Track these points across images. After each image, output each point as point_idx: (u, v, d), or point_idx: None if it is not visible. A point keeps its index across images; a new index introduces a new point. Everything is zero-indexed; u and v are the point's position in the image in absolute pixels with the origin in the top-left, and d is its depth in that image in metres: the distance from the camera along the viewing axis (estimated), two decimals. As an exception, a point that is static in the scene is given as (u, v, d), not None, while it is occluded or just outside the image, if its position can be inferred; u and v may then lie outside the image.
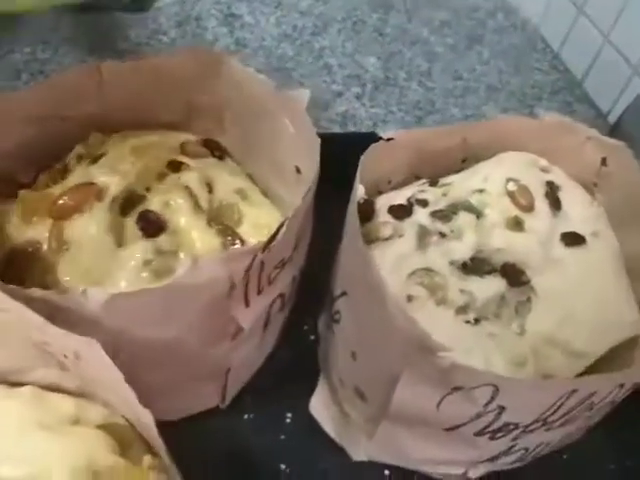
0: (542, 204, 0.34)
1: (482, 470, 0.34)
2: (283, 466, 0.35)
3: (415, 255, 0.33)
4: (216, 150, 0.39)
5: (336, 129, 0.58)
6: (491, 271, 0.32)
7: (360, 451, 0.36)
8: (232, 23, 0.69)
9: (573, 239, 0.33)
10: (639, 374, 0.29)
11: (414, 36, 0.72)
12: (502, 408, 0.28)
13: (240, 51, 0.65)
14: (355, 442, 0.36)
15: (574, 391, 0.27)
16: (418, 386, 0.28)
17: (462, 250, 0.32)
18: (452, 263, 0.32)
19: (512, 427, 0.29)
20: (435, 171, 0.39)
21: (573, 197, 0.36)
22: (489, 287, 0.31)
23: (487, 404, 0.27)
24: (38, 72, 0.57)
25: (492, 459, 0.32)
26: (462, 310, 0.31)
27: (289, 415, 0.37)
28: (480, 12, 0.77)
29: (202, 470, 0.34)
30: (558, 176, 0.37)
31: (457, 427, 0.29)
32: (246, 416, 0.37)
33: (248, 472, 0.35)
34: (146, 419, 0.22)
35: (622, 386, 0.30)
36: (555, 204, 0.35)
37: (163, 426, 0.34)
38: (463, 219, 0.34)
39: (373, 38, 0.71)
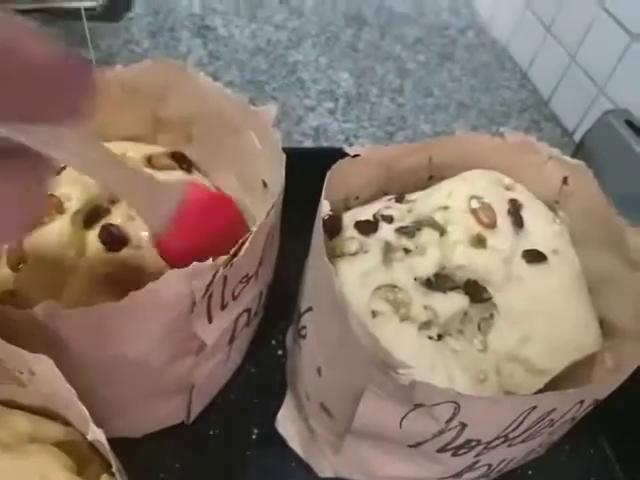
0: (504, 222, 0.35)
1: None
2: (248, 484, 0.35)
3: (380, 271, 0.33)
4: (183, 163, 0.39)
5: (308, 143, 0.58)
6: (454, 287, 0.32)
7: (326, 467, 0.35)
8: (206, 35, 0.69)
9: (534, 257, 0.34)
10: (597, 391, 0.30)
11: (386, 52, 0.73)
12: (464, 425, 0.28)
13: (213, 63, 0.66)
14: (321, 458, 0.36)
15: (534, 407, 0.27)
16: (380, 403, 0.28)
17: (426, 266, 0.33)
18: (416, 279, 0.32)
19: (474, 444, 0.29)
20: (402, 188, 0.40)
21: (535, 215, 0.37)
22: (452, 303, 0.32)
23: (449, 421, 0.27)
24: None
25: (456, 475, 0.33)
26: (425, 326, 0.31)
27: (255, 431, 0.37)
28: (451, 30, 0.78)
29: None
30: (521, 194, 0.38)
31: (420, 444, 0.30)
32: (212, 432, 0.36)
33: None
34: (99, 437, 0.21)
35: (582, 403, 0.30)
36: (517, 222, 0.35)
37: (127, 443, 0.33)
38: (427, 236, 0.34)
39: (346, 53, 0.72)
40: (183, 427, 0.36)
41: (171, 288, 0.25)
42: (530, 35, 0.72)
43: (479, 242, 0.33)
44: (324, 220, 0.32)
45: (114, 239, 0.30)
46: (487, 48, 0.76)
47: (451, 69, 0.72)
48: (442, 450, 0.30)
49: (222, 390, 0.37)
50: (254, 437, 0.36)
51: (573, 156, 0.54)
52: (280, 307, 0.39)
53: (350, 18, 0.77)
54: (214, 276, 0.26)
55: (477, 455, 0.30)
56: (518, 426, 0.29)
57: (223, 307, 0.30)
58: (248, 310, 0.34)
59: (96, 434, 0.21)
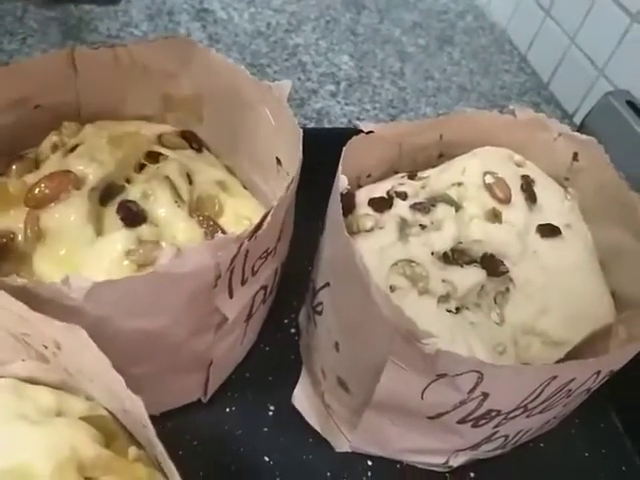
0: (518, 197, 0.35)
1: (463, 458, 0.35)
2: (266, 458, 0.35)
3: (396, 246, 0.33)
4: (194, 142, 0.39)
5: (311, 126, 0.58)
6: (471, 261, 0.32)
7: (343, 442, 0.36)
8: (205, 18, 0.68)
9: (549, 231, 0.34)
10: (613, 361, 0.30)
11: (386, 36, 0.72)
12: (485, 395, 0.28)
13: (213, 46, 0.65)
14: (338, 433, 0.36)
15: (554, 377, 0.28)
16: (402, 374, 0.28)
17: (442, 241, 0.33)
18: (433, 254, 0.33)
19: (494, 414, 0.29)
20: (413, 166, 0.40)
21: (547, 191, 0.37)
22: (469, 277, 0.32)
23: (471, 391, 0.28)
24: (4, 64, 0.56)
25: (474, 447, 0.33)
26: (444, 299, 0.31)
27: (272, 408, 0.37)
28: (450, 14, 0.78)
29: (184, 464, 0.33)
30: (532, 170, 0.38)
31: (441, 415, 0.30)
32: (228, 409, 0.36)
33: (231, 465, 0.34)
34: (136, 405, 0.21)
35: (598, 373, 0.30)
36: (531, 197, 0.36)
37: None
38: (442, 211, 0.34)
39: (346, 37, 0.71)
40: (200, 405, 0.36)
41: (195, 260, 0.25)
42: (529, 18, 0.72)
43: (495, 217, 0.34)
44: (341, 195, 0.32)
45: (133, 215, 0.30)
46: (486, 32, 0.76)
47: (451, 52, 0.72)
48: (462, 421, 0.30)
49: (237, 368, 0.37)
50: (270, 414, 0.37)
51: (578, 129, 0.55)
52: (291, 286, 0.39)
53: (349, 2, 0.77)
54: (239, 248, 0.26)
55: (496, 426, 0.31)
56: (537, 396, 0.29)
57: (243, 282, 0.30)
58: (265, 287, 0.34)
59: (134, 401, 0.21)
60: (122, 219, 0.30)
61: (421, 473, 0.36)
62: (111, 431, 0.25)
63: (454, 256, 0.32)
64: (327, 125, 0.59)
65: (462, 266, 0.32)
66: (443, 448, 0.33)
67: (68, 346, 0.23)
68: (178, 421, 0.35)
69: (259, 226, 0.27)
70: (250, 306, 0.33)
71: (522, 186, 0.36)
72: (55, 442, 0.22)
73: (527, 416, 0.31)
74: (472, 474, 0.37)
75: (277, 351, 0.39)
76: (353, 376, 0.33)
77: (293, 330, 0.41)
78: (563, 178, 0.39)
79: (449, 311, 0.31)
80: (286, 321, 0.41)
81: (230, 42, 0.66)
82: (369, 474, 0.35)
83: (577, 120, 0.64)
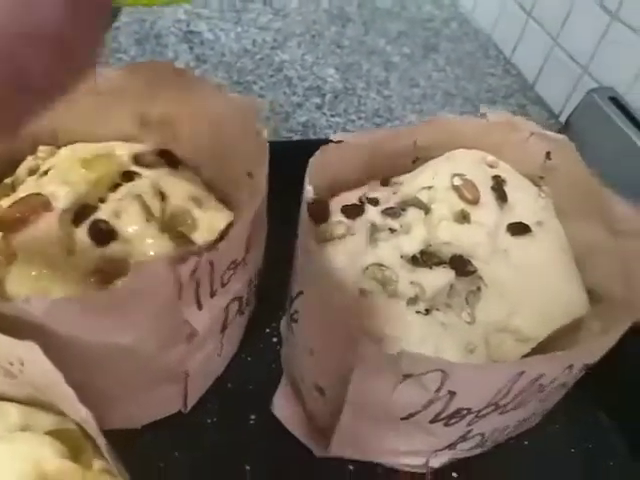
0: (488, 197, 0.35)
1: (443, 458, 0.35)
2: (247, 467, 0.35)
3: (367, 251, 0.33)
4: (169, 159, 0.39)
5: (297, 138, 0.59)
6: (440, 263, 0.33)
7: (323, 448, 0.36)
8: (192, 40, 0.70)
9: (519, 229, 0.34)
10: (584, 354, 0.30)
11: (371, 47, 0.73)
12: (452, 393, 0.28)
13: (200, 67, 0.66)
14: (318, 439, 0.36)
15: (522, 373, 0.28)
16: (371, 377, 0.29)
17: (411, 244, 0.33)
18: (402, 257, 0.33)
19: (465, 412, 0.29)
20: (388, 173, 0.40)
21: (519, 190, 0.37)
22: (438, 278, 0.32)
23: (437, 390, 0.28)
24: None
25: (450, 446, 0.33)
26: (413, 301, 0.31)
27: (253, 417, 0.37)
28: (435, 22, 0.79)
29: (165, 476, 0.34)
30: (505, 171, 0.38)
31: (412, 415, 0.30)
32: (209, 420, 0.37)
33: (212, 475, 0.34)
34: (84, 416, 0.22)
35: (571, 367, 0.30)
36: (501, 197, 0.36)
37: (126, 434, 0.34)
38: (412, 215, 0.35)
39: (331, 50, 0.72)
40: (181, 416, 0.36)
41: (153, 275, 0.26)
42: (512, 21, 0.73)
43: (463, 218, 0.34)
44: (310, 206, 0.33)
45: (102, 234, 0.31)
46: (471, 38, 0.77)
47: (436, 60, 0.72)
48: (434, 421, 0.30)
49: (218, 379, 0.38)
50: (252, 422, 0.37)
51: (563, 127, 0.54)
52: (273, 295, 0.40)
53: (334, 16, 0.78)
54: (199, 261, 0.26)
55: (469, 424, 0.31)
56: (507, 393, 0.29)
57: (212, 294, 0.30)
58: (239, 298, 0.35)
59: (81, 412, 0.22)
60: (92, 238, 0.31)
61: (403, 476, 0.36)
62: (79, 445, 0.25)
63: (423, 258, 0.33)
64: (313, 137, 0.60)
65: (431, 268, 0.32)
66: (421, 449, 0.33)
67: (29, 362, 0.24)
68: (159, 433, 0.35)
69: (220, 238, 0.27)
70: (224, 318, 0.34)
71: (493, 187, 0.36)
72: (18, 456, 0.23)
73: (500, 413, 0.31)
74: (454, 474, 0.36)
75: (258, 361, 0.39)
76: (327, 380, 0.33)
77: (275, 339, 0.41)
78: (537, 177, 0.39)
79: (419, 312, 0.31)
80: (268, 330, 0.42)
81: (217, 62, 0.68)
82: (350, 479, 0.35)
83: (563, 119, 0.64)
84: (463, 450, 0.34)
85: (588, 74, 0.62)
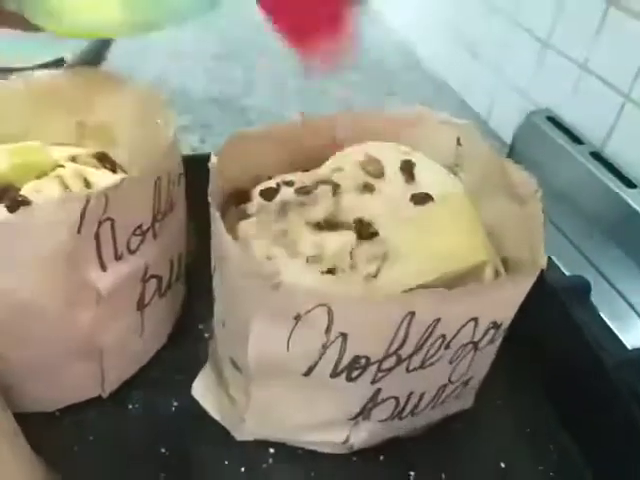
0: (395, 174, 0.37)
1: (364, 434, 0.34)
2: (164, 450, 0.34)
3: (276, 222, 0.35)
4: (106, 162, 0.42)
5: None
6: (342, 227, 0.34)
7: (243, 430, 0.35)
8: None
9: (423, 198, 0.35)
10: (482, 303, 0.30)
11: (332, 94, 0.78)
12: (344, 336, 0.28)
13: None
14: (238, 422, 0.35)
15: (412, 313, 0.28)
16: (267, 328, 0.29)
17: (317, 213, 0.34)
18: (307, 223, 0.34)
19: (364, 362, 0.29)
20: (312, 167, 0.42)
21: (429, 171, 0.38)
22: (339, 239, 0.33)
23: (327, 330, 0.28)
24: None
25: (363, 413, 0.32)
26: (314, 259, 0.32)
27: (175, 404, 0.37)
28: (394, 70, 0.84)
29: (78, 458, 0.33)
30: (417, 157, 0.40)
31: (311, 369, 0.30)
32: (130, 406, 0.36)
33: (127, 458, 0.34)
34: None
35: (475, 322, 0.30)
36: (409, 175, 0.37)
37: (43, 418, 0.34)
38: (322, 191, 0.36)
39: (293, 98, 0.77)
40: (101, 401, 0.36)
41: (42, 213, 0.27)
42: (462, 64, 0.77)
43: (366, 188, 0.35)
44: (232, 193, 0.35)
45: (17, 203, 0.33)
46: (428, 83, 0.82)
47: (394, 104, 0.77)
48: (335, 374, 0.30)
49: (144, 369, 0.38)
50: (173, 409, 0.36)
51: (508, 156, 0.57)
52: (206, 294, 0.40)
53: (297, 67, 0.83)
54: (86, 205, 0.28)
55: (374, 381, 0.30)
56: (405, 340, 0.29)
57: (117, 257, 0.31)
58: (158, 277, 0.36)
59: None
60: (6, 207, 0.33)
61: (324, 458, 0.35)
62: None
63: (326, 223, 0.34)
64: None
65: (333, 231, 0.33)
66: (334, 416, 0.32)
67: None
68: (77, 417, 0.35)
69: (110, 188, 0.29)
70: (140, 292, 0.34)
71: (401, 167, 0.38)
72: None
73: (407, 370, 0.30)
74: (381, 457, 0.35)
75: (188, 354, 0.39)
76: (237, 349, 0.33)
77: (207, 335, 0.41)
78: (453, 165, 0.41)
79: (321, 272, 0.32)
80: (201, 327, 0.42)
81: (182, 108, 0.72)
82: (270, 461, 0.34)
83: (512, 143, 0.67)
84: (382, 422, 0.33)
85: (531, 101, 0.65)
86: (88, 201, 0.28)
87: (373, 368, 0.30)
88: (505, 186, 0.36)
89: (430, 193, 0.36)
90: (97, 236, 0.30)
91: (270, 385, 0.32)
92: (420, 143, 0.41)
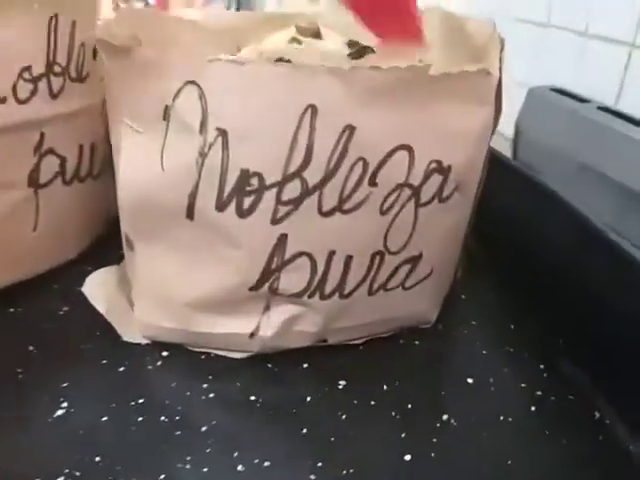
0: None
1: (275, 320, 0.26)
2: (32, 348, 0.27)
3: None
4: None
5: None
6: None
7: (131, 330, 0.28)
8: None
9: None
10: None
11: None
12: (224, 134, 0.22)
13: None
14: (127, 320, 0.28)
15: (311, 108, 0.22)
16: (135, 139, 0.24)
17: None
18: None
19: (256, 182, 0.23)
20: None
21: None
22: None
23: (202, 128, 0.22)
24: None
25: (269, 276, 0.24)
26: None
27: (65, 308, 0.30)
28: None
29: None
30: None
31: (193, 200, 0.23)
32: (12, 309, 0.30)
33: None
34: None
35: (410, 152, 0.24)
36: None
37: None
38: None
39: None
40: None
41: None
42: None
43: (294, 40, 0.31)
44: None
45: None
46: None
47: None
48: (221, 204, 0.23)
49: (44, 276, 0.32)
50: (61, 313, 0.30)
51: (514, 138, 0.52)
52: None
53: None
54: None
55: (276, 220, 0.23)
56: (309, 153, 0.22)
57: (53, 95, 0.29)
58: (59, 156, 0.31)
59: None
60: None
61: (221, 361, 0.27)
62: None
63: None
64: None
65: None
66: (231, 284, 0.25)
67: None
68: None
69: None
70: (34, 164, 0.30)
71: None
72: None
73: (320, 211, 0.23)
74: (305, 365, 0.27)
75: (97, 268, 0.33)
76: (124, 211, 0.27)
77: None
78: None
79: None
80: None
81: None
82: (158, 364, 0.27)
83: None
84: (300, 304, 0.26)
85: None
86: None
87: (270, 195, 0.23)
88: (464, 41, 0.31)
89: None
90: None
91: (153, 244, 0.26)
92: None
